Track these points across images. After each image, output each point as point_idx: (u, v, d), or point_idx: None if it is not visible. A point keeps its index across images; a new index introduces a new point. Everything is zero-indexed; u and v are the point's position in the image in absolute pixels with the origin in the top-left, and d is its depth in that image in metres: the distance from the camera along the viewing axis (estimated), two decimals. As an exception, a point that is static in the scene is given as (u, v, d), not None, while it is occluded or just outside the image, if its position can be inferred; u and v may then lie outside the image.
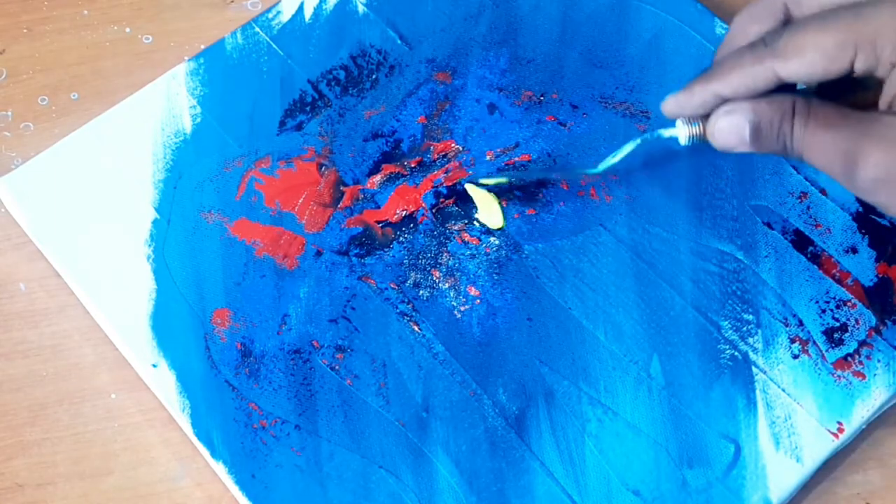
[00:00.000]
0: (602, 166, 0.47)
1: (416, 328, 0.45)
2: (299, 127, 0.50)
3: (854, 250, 0.47)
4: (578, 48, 0.52)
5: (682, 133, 0.41)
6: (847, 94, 0.38)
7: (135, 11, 0.56)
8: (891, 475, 0.45)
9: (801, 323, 0.45)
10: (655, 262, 0.47)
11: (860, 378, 0.44)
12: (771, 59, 0.37)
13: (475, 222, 0.48)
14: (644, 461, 0.43)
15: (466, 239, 0.47)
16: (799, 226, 0.47)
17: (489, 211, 0.48)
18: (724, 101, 0.39)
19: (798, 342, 0.45)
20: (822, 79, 0.37)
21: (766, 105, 0.38)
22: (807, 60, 0.36)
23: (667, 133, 0.42)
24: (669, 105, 0.41)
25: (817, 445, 0.43)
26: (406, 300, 0.46)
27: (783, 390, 0.44)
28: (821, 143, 0.37)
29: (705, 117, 0.40)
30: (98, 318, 0.46)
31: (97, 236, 0.47)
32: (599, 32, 0.52)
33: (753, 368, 0.44)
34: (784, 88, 0.38)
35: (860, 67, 0.36)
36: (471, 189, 0.49)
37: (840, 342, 0.45)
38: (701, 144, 0.41)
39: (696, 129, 0.41)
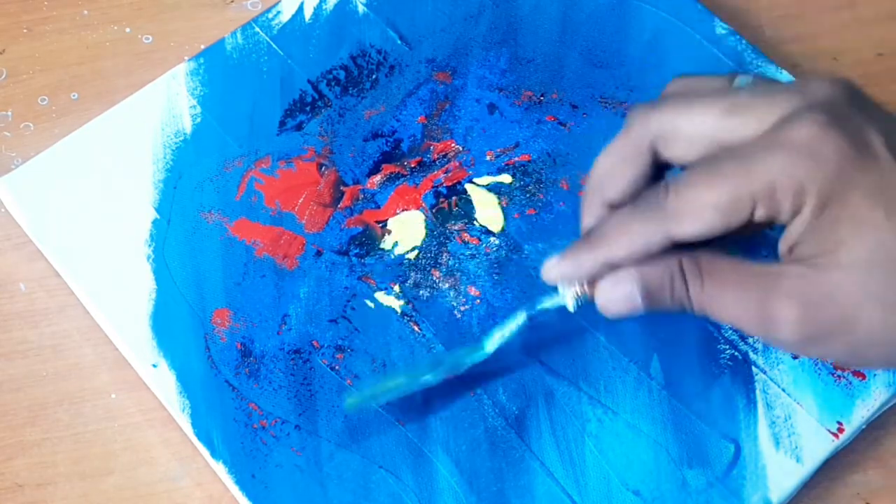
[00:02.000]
0: (489, 347, 0.42)
1: (416, 328, 0.46)
2: (299, 127, 0.50)
3: (854, 250, 0.47)
4: (578, 48, 0.52)
5: (569, 300, 0.39)
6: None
7: (135, 11, 0.56)
8: (891, 475, 0.45)
9: (801, 323, 0.45)
10: (655, 262, 0.47)
11: (860, 378, 0.44)
12: (662, 221, 0.35)
13: (475, 222, 0.48)
14: (644, 461, 0.43)
15: (466, 239, 0.47)
16: (799, 226, 0.47)
17: (489, 211, 0.48)
18: (613, 267, 0.37)
19: (798, 342, 0.45)
20: (720, 234, 0.35)
21: (652, 269, 0.36)
22: (704, 219, 0.34)
23: (550, 303, 0.40)
24: (552, 274, 0.39)
25: (817, 445, 0.43)
26: (406, 300, 0.46)
27: (783, 390, 0.44)
28: (725, 304, 0.35)
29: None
30: (98, 318, 0.46)
31: (97, 236, 0.47)
32: (599, 32, 0.52)
33: (753, 368, 0.44)
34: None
35: (760, 218, 0.34)
36: (471, 189, 0.49)
37: (840, 342, 0.45)
38: (591, 305, 0.39)
39: (581, 291, 0.39)
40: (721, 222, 0.34)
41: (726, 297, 0.35)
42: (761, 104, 0.36)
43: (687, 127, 0.37)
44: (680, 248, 0.36)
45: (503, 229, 0.48)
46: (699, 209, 0.34)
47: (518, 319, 0.42)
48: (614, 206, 0.39)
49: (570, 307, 0.39)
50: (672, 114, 0.37)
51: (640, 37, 0.52)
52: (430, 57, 0.52)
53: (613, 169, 0.39)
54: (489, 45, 0.52)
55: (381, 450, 0.43)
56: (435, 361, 0.43)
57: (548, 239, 0.47)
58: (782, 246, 0.35)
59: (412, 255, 0.47)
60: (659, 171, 0.38)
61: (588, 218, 0.40)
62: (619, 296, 0.37)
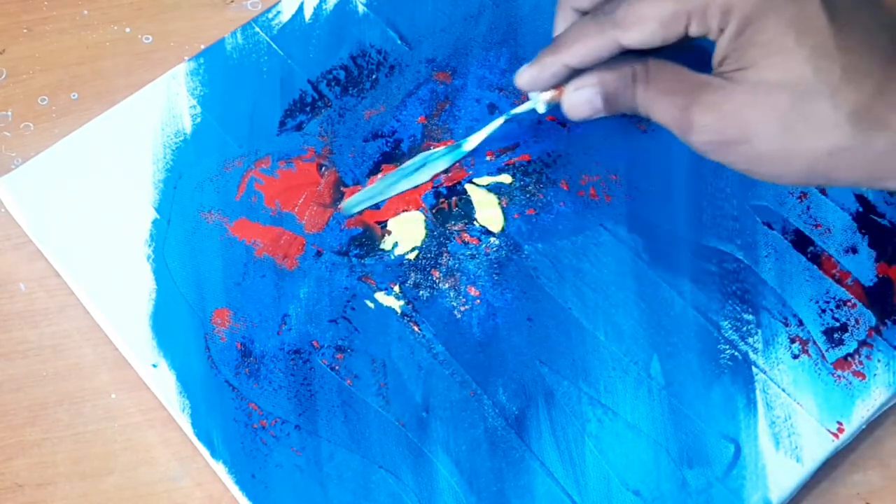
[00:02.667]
0: (467, 146, 0.48)
1: (416, 328, 0.46)
2: (299, 127, 0.50)
3: (854, 250, 0.47)
4: (578, 48, 0.52)
5: (539, 103, 0.43)
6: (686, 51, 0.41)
7: (135, 11, 0.56)
8: (891, 475, 0.45)
9: (801, 323, 0.45)
10: (655, 262, 0.47)
11: (860, 378, 0.44)
12: (612, 29, 0.39)
13: (475, 222, 0.48)
14: (644, 461, 0.43)
15: (466, 239, 0.47)
16: (799, 226, 0.47)
17: (489, 211, 0.48)
18: (574, 70, 0.41)
19: (798, 342, 0.45)
20: (660, 44, 0.39)
21: (610, 74, 0.40)
22: (646, 29, 0.38)
23: (525, 108, 0.45)
24: (523, 78, 0.42)
25: (817, 445, 0.43)
26: (406, 300, 0.46)
27: (783, 390, 0.44)
28: (660, 106, 0.39)
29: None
30: (98, 318, 0.46)
31: (97, 236, 0.47)
32: (599, 32, 0.52)
33: (753, 368, 0.44)
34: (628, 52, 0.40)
35: (694, 33, 0.38)
36: (471, 189, 0.49)
37: (840, 342, 0.45)
38: (558, 108, 0.43)
39: (549, 95, 0.43)
40: (661, 33, 0.38)
41: (661, 100, 0.39)
42: None
43: None
44: (637, 55, 0.40)
45: (503, 229, 0.48)
46: (643, 20, 0.38)
47: (496, 122, 0.47)
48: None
49: (540, 109, 0.43)
50: None
51: (640, 37, 0.52)
52: (430, 57, 0.52)
53: None
54: (489, 45, 0.52)
55: (381, 450, 0.43)
56: (418, 163, 0.48)
57: (548, 239, 0.47)
58: (714, 60, 0.39)
59: (412, 256, 0.47)
60: None
61: (559, 27, 0.43)
62: (581, 99, 0.41)
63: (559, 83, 0.42)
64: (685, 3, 0.38)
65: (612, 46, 0.39)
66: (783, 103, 0.36)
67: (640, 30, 0.38)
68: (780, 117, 0.36)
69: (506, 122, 0.47)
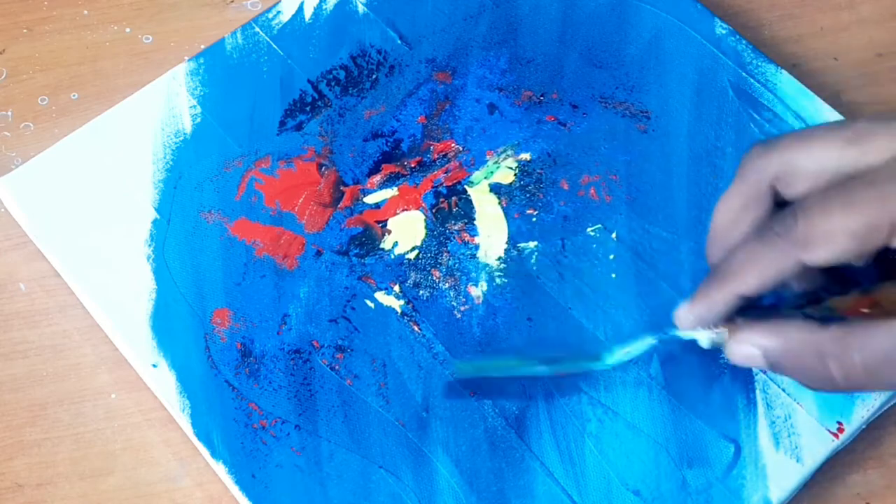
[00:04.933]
0: (612, 361, 0.42)
1: (416, 328, 0.46)
2: (299, 127, 0.50)
3: (854, 250, 0.47)
4: (578, 48, 0.52)
5: (703, 340, 0.39)
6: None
7: (135, 11, 0.56)
8: (891, 475, 0.45)
9: (801, 323, 0.45)
10: (655, 262, 0.47)
11: (860, 378, 0.44)
12: (793, 248, 0.34)
13: (475, 222, 0.48)
14: (644, 461, 0.43)
15: (466, 239, 0.47)
16: (799, 226, 0.47)
17: (489, 212, 0.48)
18: (746, 298, 0.37)
19: (798, 342, 0.45)
20: (853, 261, 0.34)
21: (784, 342, 0.36)
22: (838, 246, 0.34)
23: (686, 335, 0.39)
24: (689, 320, 0.38)
25: (817, 445, 0.43)
26: (406, 300, 0.46)
27: (783, 390, 0.44)
28: (877, 379, 0.34)
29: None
30: (98, 318, 0.46)
31: (97, 236, 0.47)
32: (599, 32, 0.52)
33: (753, 368, 0.44)
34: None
35: None
36: (471, 189, 0.49)
37: (840, 342, 0.45)
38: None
39: (719, 338, 0.38)
40: (857, 248, 0.34)
41: (878, 372, 0.34)
42: (883, 131, 0.35)
43: (807, 162, 0.36)
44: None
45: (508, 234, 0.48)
46: (833, 235, 0.34)
47: (646, 341, 0.41)
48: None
49: (705, 345, 0.39)
50: (790, 151, 0.37)
51: (639, 37, 0.52)
52: (430, 57, 0.52)
53: (735, 216, 0.38)
54: (489, 45, 0.52)
55: (381, 450, 0.43)
56: (552, 358, 0.43)
57: (548, 239, 0.47)
58: None
59: (412, 255, 0.47)
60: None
61: (714, 254, 0.39)
62: (744, 356, 0.37)
63: (729, 317, 0.37)
64: (883, 210, 0.33)
65: (795, 268, 0.35)
66: None
67: (830, 247, 0.33)
68: None
69: (658, 342, 0.41)
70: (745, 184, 0.38)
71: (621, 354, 0.42)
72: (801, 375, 0.36)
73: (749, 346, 0.37)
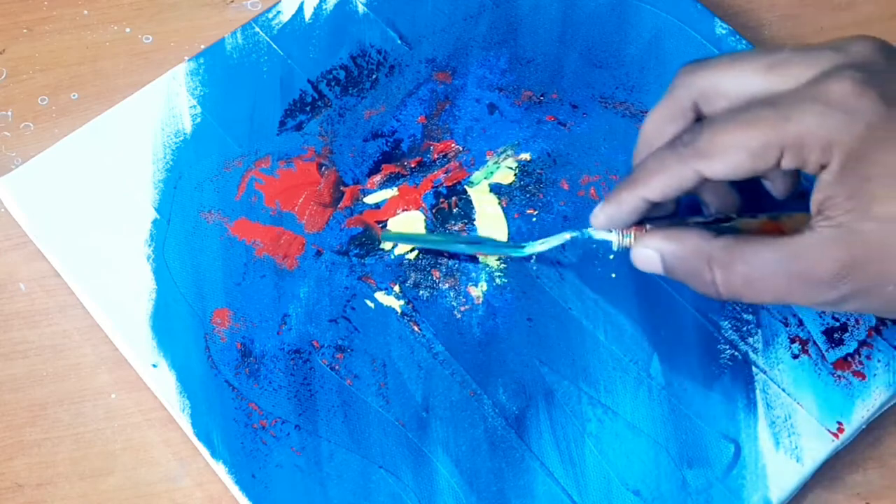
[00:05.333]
0: (528, 250, 0.45)
1: (416, 328, 0.45)
2: (299, 127, 0.50)
3: (854, 250, 0.47)
4: (578, 48, 0.52)
5: (614, 241, 0.41)
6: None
7: (135, 11, 0.56)
8: (891, 475, 0.45)
9: (801, 323, 0.45)
10: (655, 262, 0.47)
11: (860, 378, 0.44)
12: (694, 159, 0.37)
13: (475, 222, 0.48)
14: (644, 461, 0.43)
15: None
16: (799, 226, 0.47)
17: (489, 212, 0.48)
18: (654, 204, 0.39)
19: (798, 342, 0.45)
20: (747, 177, 0.36)
21: (680, 247, 0.38)
22: (732, 160, 0.36)
23: (598, 235, 0.42)
24: (600, 219, 0.40)
25: (817, 445, 0.43)
26: (406, 300, 0.46)
27: (783, 390, 0.44)
28: (755, 290, 0.37)
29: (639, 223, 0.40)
30: (98, 318, 0.46)
31: (97, 236, 0.47)
32: (599, 32, 0.52)
33: (753, 368, 0.44)
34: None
35: (787, 166, 0.36)
36: (471, 189, 0.49)
37: (840, 342, 0.45)
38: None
39: (627, 241, 0.41)
40: (749, 165, 0.36)
41: (756, 285, 0.36)
42: (801, 60, 0.37)
43: (728, 84, 0.38)
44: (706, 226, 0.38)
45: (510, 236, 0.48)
46: (730, 150, 0.36)
47: (563, 236, 0.44)
48: None
49: (614, 246, 0.41)
50: (715, 71, 0.39)
51: (639, 37, 0.52)
52: (430, 57, 0.52)
53: (660, 126, 0.40)
54: (489, 45, 0.52)
55: (381, 450, 0.43)
56: (475, 240, 0.47)
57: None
58: (814, 203, 0.36)
59: (412, 255, 0.47)
60: None
61: (638, 155, 0.41)
62: (644, 258, 0.39)
63: (640, 219, 0.40)
64: (777, 132, 0.35)
65: (693, 178, 0.37)
66: None
67: (726, 160, 0.36)
68: None
69: (572, 238, 0.44)
70: (671, 98, 0.40)
71: (538, 246, 0.45)
72: (690, 280, 0.38)
73: (649, 250, 0.39)
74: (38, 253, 0.48)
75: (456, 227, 0.48)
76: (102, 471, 0.45)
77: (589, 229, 0.42)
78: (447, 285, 0.46)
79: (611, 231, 0.41)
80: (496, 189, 0.49)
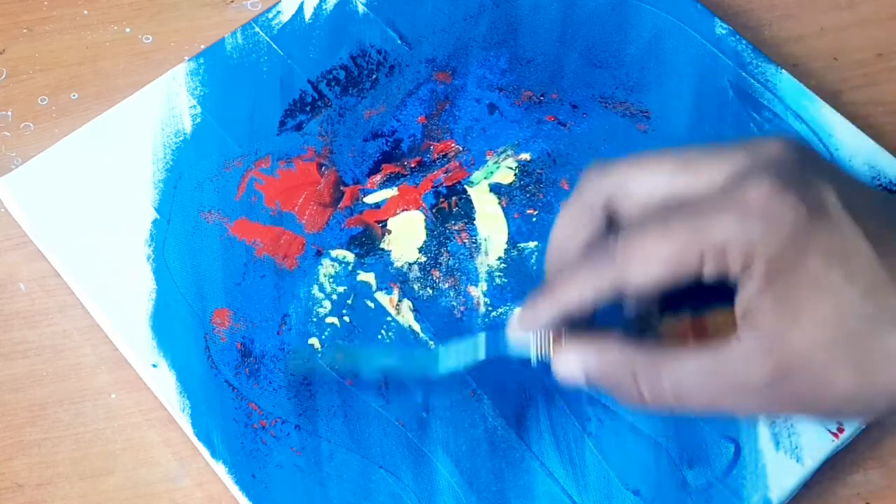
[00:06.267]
0: (441, 366, 0.42)
1: (416, 328, 0.45)
2: (299, 127, 0.50)
3: (854, 250, 0.47)
4: (578, 48, 0.52)
5: (532, 348, 0.38)
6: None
7: (135, 11, 0.56)
8: (891, 475, 0.45)
9: (801, 323, 0.45)
10: (655, 262, 0.47)
11: (860, 378, 0.44)
12: (611, 271, 0.35)
13: (475, 222, 0.48)
14: (644, 461, 0.43)
15: (466, 239, 0.47)
16: (799, 226, 0.47)
17: (489, 211, 0.48)
18: (570, 316, 0.37)
19: (798, 342, 0.45)
20: (668, 286, 0.35)
21: (603, 359, 0.36)
22: (650, 273, 0.34)
23: (514, 339, 0.39)
24: (516, 328, 0.38)
25: (817, 445, 0.43)
26: (406, 300, 0.46)
27: (783, 390, 0.44)
28: (683, 403, 0.35)
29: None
30: (98, 318, 0.46)
31: (97, 236, 0.47)
32: (599, 32, 0.52)
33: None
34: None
35: (709, 273, 0.34)
36: (471, 189, 0.49)
37: (840, 342, 0.45)
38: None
39: (545, 349, 0.38)
40: (668, 275, 0.34)
41: (691, 395, 0.35)
42: (711, 160, 0.36)
43: (637, 185, 0.37)
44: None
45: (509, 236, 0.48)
46: (647, 260, 0.34)
47: (478, 338, 0.41)
48: None
49: (533, 356, 0.38)
50: (622, 173, 0.38)
51: (639, 37, 0.52)
52: (430, 57, 0.52)
53: (569, 230, 0.39)
54: (489, 45, 0.52)
55: (381, 450, 0.43)
56: (388, 352, 0.44)
57: (548, 239, 0.47)
58: (737, 310, 0.35)
59: (412, 256, 0.47)
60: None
61: (550, 260, 0.40)
62: (568, 370, 0.37)
63: (558, 328, 0.38)
64: (696, 241, 0.34)
65: (611, 289, 0.35)
66: (846, 344, 0.33)
67: (644, 271, 0.34)
68: (849, 358, 0.33)
69: (486, 356, 0.40)
70: (580, 201, 0.38)
71: (453, 356, 0.41)
72: (615, 393, 0.37)
73: (571, 362, 0.37)
74: (38, 253, 0.48)
75: (456, 227, 0.48)
76: (102, 471, 0.45)
77: (507, 343, 0.39)
78: (447, 285, 0.46)
79: (529, 334, 0.38)
80: (496, 189, 0.49)
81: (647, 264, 0.34)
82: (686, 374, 0.35)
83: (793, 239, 0.33)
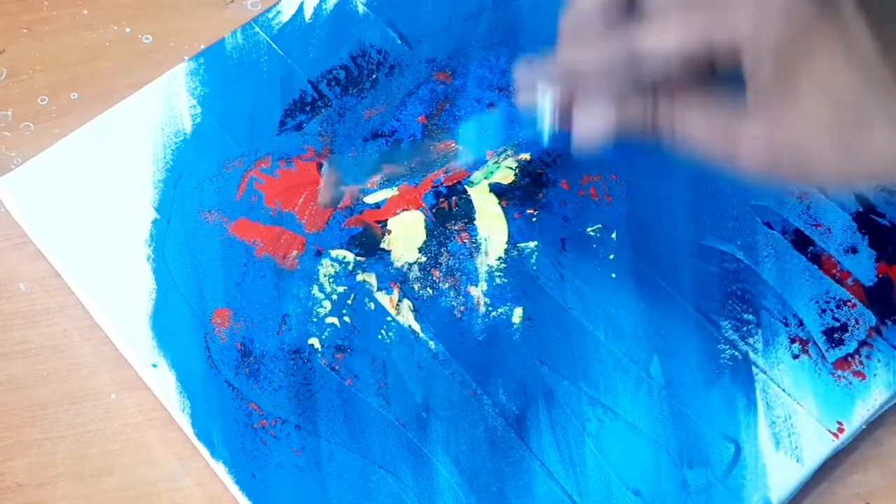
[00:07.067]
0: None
1: (416, 328, 0.45)
2: (299, 127, 0.50)
3: (854, 250, 0.47)
4: (578, 48, 0.52)
5: (545, 124, 0.39)
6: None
7: (135, 11, 0.56)
8: (891, 475, 0.45)
9: (801, 323, 0.45)
10: (655, 262, 0.47)
11: (860, 378, 0.44)
12: (627, 37, 0.36)
13: (475, 222, 0.48)
14: (644, 461, 0.43)
15: (466, 239, 0.47)
16: (799, 226, 0.47)
17: (489, 211, 0.48)
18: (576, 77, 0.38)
19: (798, 342, 0.45)
20: (679, 56, 0.36)
21: (624, 109, 0.38)
22: (667, 45, 0.36)
23: (523, 102, 0.39)
24: (524, 81, 0.39)
25: (817, 445, 0.43)
26: (406, 300, 0.46)
27: (783, 390, 0.44)
28: (693, 125, 0.37)
29: (566, 119, 0.38)
30: (98, 318, 0.46)
31: (97, 236, 0.47)
32: (599, 32, 0.52)
33: (753, 368, 0.44)
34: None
35: (721, 61, 0.36)
36: (471, 189, 0.49)
37: (840, 342, 0.45)
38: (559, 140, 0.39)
39: (554, 123, 0.38)
40: (684, 52, 0.36)
41: (696, 121, 0.37)
42: None
43: None
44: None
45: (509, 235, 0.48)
46: (664, 34, 0.36)
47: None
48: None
49: (544, 135, 0.39)
50: None
51: (640, 37, 0.52)
52: (430, 57, 0.52)
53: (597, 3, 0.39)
54: (489, 45, 0.52)
55: (380, 450, 0.43)
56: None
57: (548, 239, 0.47)
58: (749, 94, 0.36)
59: (412, 256, 0.47)
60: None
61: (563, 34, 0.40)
62: (591, 131, 0.38)
63: (561, 85, 0.38)
64: (711, 29, 0.35)
65: (625, 57, 0.36)
66: (833, 119, 0.35)
67: (660, 44, 0.36)
68: (832, 131, 0.35)
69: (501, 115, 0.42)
70: None
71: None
72: (638, 137, 0.38)
73: (595, 117, 0.38)
74: (38, 253, 0.48)
75: (456, 227, 0.48)
76: (102, 471, 0.45)
77: (516, 97, 0.39)
78: (447, 285, 0.47)
79: (540, 103, 0.39)
80: (496, 189, 0.49)
81: (664, 39, 0.35)
82: (699, 119, 0.37)
83: (802, 30, 0.35)
